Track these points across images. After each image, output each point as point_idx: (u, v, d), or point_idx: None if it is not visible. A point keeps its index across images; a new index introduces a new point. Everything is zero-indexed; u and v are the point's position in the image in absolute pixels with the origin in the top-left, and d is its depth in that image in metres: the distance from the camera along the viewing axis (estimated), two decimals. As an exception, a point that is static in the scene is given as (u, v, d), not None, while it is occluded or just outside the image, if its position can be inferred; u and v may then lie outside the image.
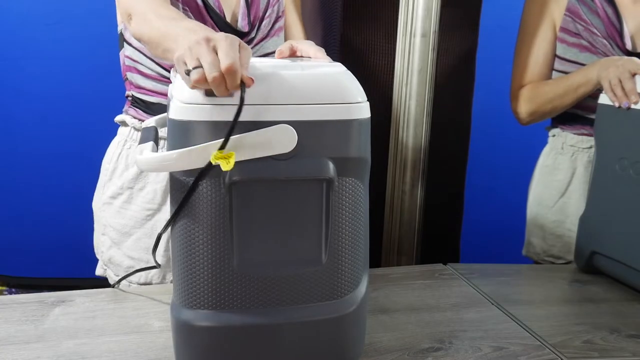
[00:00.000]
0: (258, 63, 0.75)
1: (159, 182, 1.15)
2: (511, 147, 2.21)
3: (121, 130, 1.20)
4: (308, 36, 1.32)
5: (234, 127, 0.66)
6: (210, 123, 0.68)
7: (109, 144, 1.21)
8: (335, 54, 1.50)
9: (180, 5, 1.08)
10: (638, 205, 1.11)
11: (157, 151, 0.77)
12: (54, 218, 2.35)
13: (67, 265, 2.32)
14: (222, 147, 0.67)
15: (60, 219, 2.34)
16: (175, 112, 0.70)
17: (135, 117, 1.18)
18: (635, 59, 1.20)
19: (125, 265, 1.17)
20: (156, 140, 0.81)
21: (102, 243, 1.20)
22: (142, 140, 0.79)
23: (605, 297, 1.12)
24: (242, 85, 0.66)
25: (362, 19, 1.53)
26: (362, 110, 0.73)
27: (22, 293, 1.11)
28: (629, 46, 1.33)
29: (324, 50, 0.89)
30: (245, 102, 0.68)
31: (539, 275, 1.25)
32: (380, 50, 1.52)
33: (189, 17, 1.07)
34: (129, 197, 1.16)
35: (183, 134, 0.69)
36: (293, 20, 1.27)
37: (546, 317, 1.03)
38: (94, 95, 2.12)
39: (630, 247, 1.11)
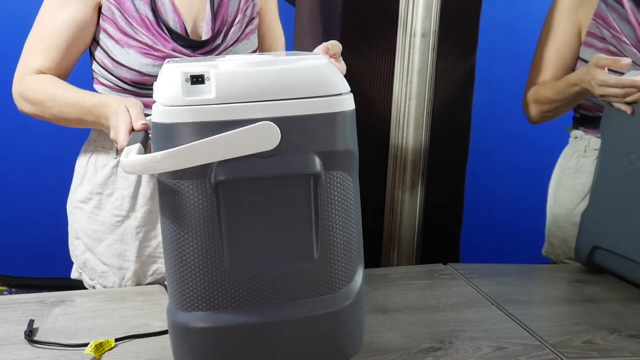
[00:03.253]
0: (237, 60, 0.74)
1: (126, 188, 1.14)
2: (511, 147, 2.21)
3: (92, 133, 1.20)
4: (307, 36, 1.32)
5: None
6: (193, 124, 0.67)
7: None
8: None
9: (131, 25, 1.08)
10: (640, 201, 1.11)
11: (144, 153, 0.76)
12: (54, 218, 2.34)
13: (67, 265, 2.32)
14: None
15: (61, 219, 2.34)
16: (158, 114, 0.69)
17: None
18: (595, 71, 1.19)
19: (99, 270, 1.16)
20: (145, 142, 0.80)
21: (76, 247, 1.19)
22: (130, 142, 0.79)
23: (606, 297, 1.12)
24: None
25: (362, 19, 1.53)
26: (346, 102, 0.73)
27: (22, 293, 1.11)
28: None
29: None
30: (227, 101, 0.68)
31: (539, 275, 1.25)
32: (380, 50, 1.52)
33: (144, 36, 1.08)
34: (99, 203, 1.15)
35: (166, 136, 0.69)
36: (272, 24, 1.26)
37: (546, 317, 1.03)
38: (94, 95, 2.12)
39: (633, 242, 1.11)
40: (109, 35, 1.09)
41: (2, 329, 0.91)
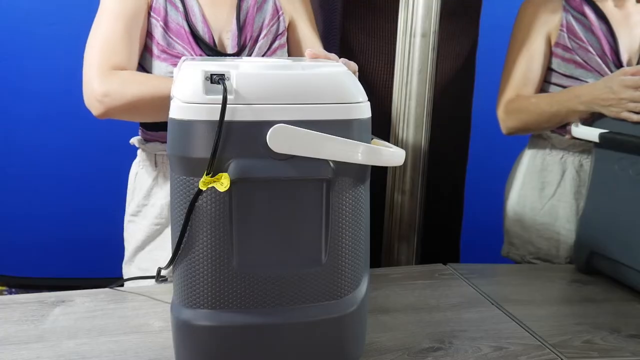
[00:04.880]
0: (258, 63, 0.75)
1: (164, 198, 1.20)
2: (511, 147, 2.20)
3: (138, 151, 1.26)
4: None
5: (217, 148, 0.67)
6: (211, 123, 0.68)
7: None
8: (335, 54, 1.50)
9: (168, 35, 1.12)
10: (637, 206, 1.11)
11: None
12: (54, 218, 2.35)
13: (67, 265, 2.32)
14: (208, 172, 0.68)
15: (61, 219, 2.34)
16: (176, 111, 0.69)
17: (143, 138, 1.23)
18: (620, 80, 1.18)
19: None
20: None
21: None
22: None
23: (605, 297, 1.12)
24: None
25: (362, 19, 1.53)
26: (363, 110, 0.73)
27: (22, 293, 1.11)
28: (625, 64, 1.32)
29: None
30: (246, 102, 0.68)
31: (539, 275, 1.25)
32: (380, 50, 1.52)
33: (177, 45, 1.12)
34: (145, 214, 1.22)
35: (183, 133, 0.69)
36: (305, 33, 1.25)
37: (546, 317, 1.03)
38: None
39: (630, 248, 1.11)
40: (147, 47, 1.13)
41: (2, 329, 0.91)
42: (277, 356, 0.75)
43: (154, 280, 1.18)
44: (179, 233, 0.72)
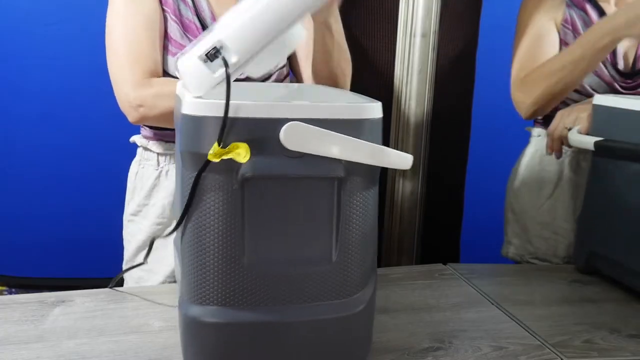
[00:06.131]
0: None
1: (166, 197, 1.19)
2: (511, 147, 2.20)
3: (138, 150, 1.26)
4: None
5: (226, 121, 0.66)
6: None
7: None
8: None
9: (182, 31, 1.12)
10: (636, 206, 1.11)
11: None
12: (54, 218, 2.35)
13: (67, 265, 2.32)
14: (220, 142, 0.66)
15: (61, 219, 2.34)
16: (188, 107, 0.69)
17: (145, 137, 1.22)
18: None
19: (135, 276, 1.21)
20: None
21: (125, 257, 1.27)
22: None
23: (605, 297, 1.12)
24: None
25: (362, 20, 1.53)
26: (374, 110, 0.73)
27: (22, 293, 1.11)
28: (620, 66, 1.31)
29: None
30: (257, 100, 0.69)
31: (539, 275, 1.25)
32: (380, 51, 1.52)
33: (188, 38, 1.11)
34: (145, 213, 1.21)
35: (196, 129, 0.69)
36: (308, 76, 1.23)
37: (546, 317, 1.03)
38: (93, 95, 2.12)
39: (630, 248, 1.11)
40: (163, 46, 1.12)
41: (2, 329, 0.91)
42: (285, 354, 0.75)
43: (152, 279, 1.18)
44: (183, 210, 0.71)
